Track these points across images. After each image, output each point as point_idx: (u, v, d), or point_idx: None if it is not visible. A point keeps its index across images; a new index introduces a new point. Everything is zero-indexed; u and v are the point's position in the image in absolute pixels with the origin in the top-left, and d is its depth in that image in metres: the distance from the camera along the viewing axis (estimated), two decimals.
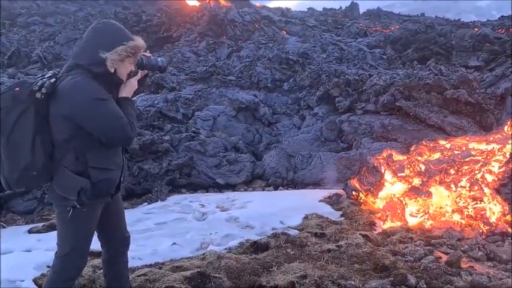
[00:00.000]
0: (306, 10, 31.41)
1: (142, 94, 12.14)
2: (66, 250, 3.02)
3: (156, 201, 7.95)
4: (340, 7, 30.31)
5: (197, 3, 24.43)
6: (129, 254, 3.57)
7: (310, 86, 13.71)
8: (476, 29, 18.03)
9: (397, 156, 7.25)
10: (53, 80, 2.88)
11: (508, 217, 5.90)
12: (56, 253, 3.09)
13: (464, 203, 5.99)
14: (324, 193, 8.05)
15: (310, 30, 21.23)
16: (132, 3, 33.47)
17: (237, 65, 15.80)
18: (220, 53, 17.80)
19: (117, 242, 3.40)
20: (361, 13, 28.92)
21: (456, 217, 5.92)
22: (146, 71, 3.27)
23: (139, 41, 3.03)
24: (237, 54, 17.14)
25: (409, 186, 6.37)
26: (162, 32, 20.95)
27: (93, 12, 27.76)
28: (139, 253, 5.10)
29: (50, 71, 2.99)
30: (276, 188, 9.08)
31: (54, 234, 3.16)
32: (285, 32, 20.86)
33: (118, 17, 22.07)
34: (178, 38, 19.99)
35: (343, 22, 24.30)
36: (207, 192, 8.84)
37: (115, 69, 2.95)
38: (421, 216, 6.04)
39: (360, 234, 5.62)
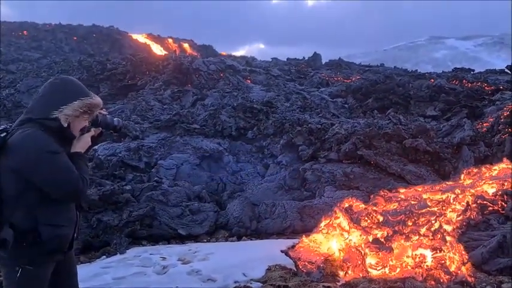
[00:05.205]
0: (270, 60, 32.27)
1: (104, 143, 11.97)
2: None
3: (115, 255, 7.64)
4: (304, 57, 31.24)
5: (162, 53, 24.69)
6: None
7: (274, 134, 13.85)
8: (432, 80, 18.91)
9: (358, 205, 7.31)
10: (3, 134, 2.82)
11: (467, 265, 5.98)
12: None
13: (420, 258, 6.02)
14: (287, 243, 7.98)
15: (274, 79, 21.69)
16: (98, 51, 33.60)
17: (202, 113, 15.84)
18: (185, 101, 17.85)
19: None
20: (323, 63, 29.83)
21: (418, 268, 5.95)
22: (100, 129, 3.24)
23: (96, 99, 3.03)
24: (201, 103, 17.22)
25: (368, 237, 6.38)
26: (126, 80, 20.92)
27: (57, 59, 27.64)
28: None
29: (1, 126, 2.93)
30: (239, 238, 8.95)
31: None
32: (249, 81, 21.21)
33: (82, 65, 22.06)
34: (143, 86, 19.99)
35: (306, 72, 24.97)
36: (169, 243, 8.59)
37: (68, 124, 2.91)
38: (380, 269, 6.04)
39: (323, 286, 5.57)
